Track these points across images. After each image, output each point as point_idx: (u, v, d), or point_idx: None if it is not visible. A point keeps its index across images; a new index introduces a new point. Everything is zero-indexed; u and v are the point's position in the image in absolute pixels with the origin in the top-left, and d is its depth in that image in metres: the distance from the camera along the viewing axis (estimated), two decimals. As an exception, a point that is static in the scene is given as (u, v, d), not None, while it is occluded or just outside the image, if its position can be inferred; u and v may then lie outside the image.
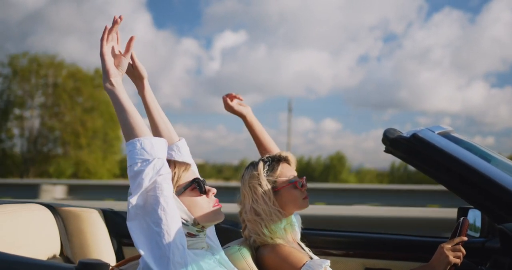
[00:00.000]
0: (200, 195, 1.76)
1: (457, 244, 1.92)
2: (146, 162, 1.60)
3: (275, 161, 2.18)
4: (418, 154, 1.59)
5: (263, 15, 48.19)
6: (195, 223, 1.74)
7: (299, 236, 2.33)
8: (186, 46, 48.66)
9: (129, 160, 1.62)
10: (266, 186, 2.11)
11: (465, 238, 1.93)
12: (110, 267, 1.67)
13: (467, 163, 1.53)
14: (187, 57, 48.83)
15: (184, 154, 2.01)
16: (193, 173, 1.83)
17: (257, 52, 47.76)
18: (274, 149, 2.40)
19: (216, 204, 1.79)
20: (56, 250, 2.22)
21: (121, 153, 28.17)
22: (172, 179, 1.72)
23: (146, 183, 1.59)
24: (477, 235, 2.48)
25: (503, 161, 2.01)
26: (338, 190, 9.81)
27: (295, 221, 2.31)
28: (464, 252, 1.91)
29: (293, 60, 46.53)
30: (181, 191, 1.73)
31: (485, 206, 1.62)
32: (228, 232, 2.52)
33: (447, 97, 44.54)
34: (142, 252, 1.59)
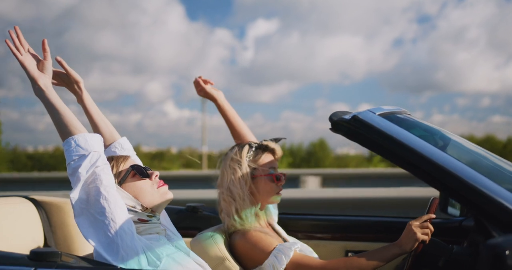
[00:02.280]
0: (143, 179, 1.80)
1: (425, 221, 1.91)
2: (83, 157, 1.65)
3: (260, 149, 2.21)
4: (358, 135, 1.58)
5: (294, 2, 47.75)
6: (144, 208, 1.78)
7: (275, 219, 2.35)
8: (220, 36, 48.70)
9: (66, 158, 1.68)
10: (246, 170, 2.13)
11: (433, 216, 1.93)
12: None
13: (406, 143, 1.50)
14: (221, 47, 48.86)
15: (127, 149, 2.06)
16: (134, 162, 1.87)
17: (290, 39, 47.33)
18: (247, 133, 2.43)
19: (161, 184, 1.83)
20: (40, 243, 2.27)
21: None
22: (113, 172, 1.78)
23: (83, 175, 1.64)
24: (458, 213, 2.45)
25: (462, 144, 1.97)
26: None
27: (270, 205, 2.32)
28: (432, 229, 1.91)
29: (326, 46, 46.10)
30: (123, 180, 1.78)
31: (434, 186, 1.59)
32: (211, 219, 2.54)
33: (485, 77, 43.41)
34: (93, 243, 1.64)
